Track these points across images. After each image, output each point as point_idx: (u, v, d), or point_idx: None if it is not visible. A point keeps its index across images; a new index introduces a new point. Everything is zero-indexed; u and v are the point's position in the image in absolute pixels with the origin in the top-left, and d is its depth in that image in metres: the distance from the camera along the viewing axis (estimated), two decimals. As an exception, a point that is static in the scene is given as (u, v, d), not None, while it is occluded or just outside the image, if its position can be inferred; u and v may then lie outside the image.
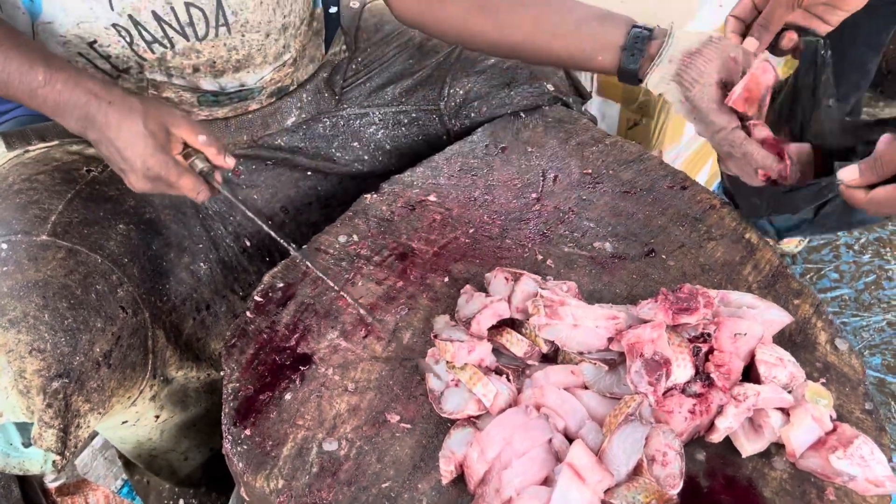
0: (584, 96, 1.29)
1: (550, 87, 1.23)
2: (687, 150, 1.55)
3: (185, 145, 0.90)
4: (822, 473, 0.78)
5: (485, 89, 1.22)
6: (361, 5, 1.30)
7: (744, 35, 0.99)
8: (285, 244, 0.95)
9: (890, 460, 0.79)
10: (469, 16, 1.02)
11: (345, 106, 1.23)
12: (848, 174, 0.82)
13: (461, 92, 1.22)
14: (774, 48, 0.99)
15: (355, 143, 1.23)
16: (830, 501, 0.77)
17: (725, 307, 0.89)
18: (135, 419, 1.09)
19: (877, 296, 1.64)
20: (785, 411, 0.81)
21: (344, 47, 1.23)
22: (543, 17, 0.98)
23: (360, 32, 1.26)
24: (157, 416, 1.12)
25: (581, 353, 0.85)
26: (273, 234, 0.94)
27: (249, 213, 0.93)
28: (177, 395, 1.12)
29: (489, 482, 0.76)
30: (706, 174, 1.76)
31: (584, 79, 1.39)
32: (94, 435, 1.39)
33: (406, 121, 1.24)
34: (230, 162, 0.92)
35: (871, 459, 0.76)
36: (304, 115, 1.19)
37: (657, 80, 0.94)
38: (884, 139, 0.80)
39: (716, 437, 0.80)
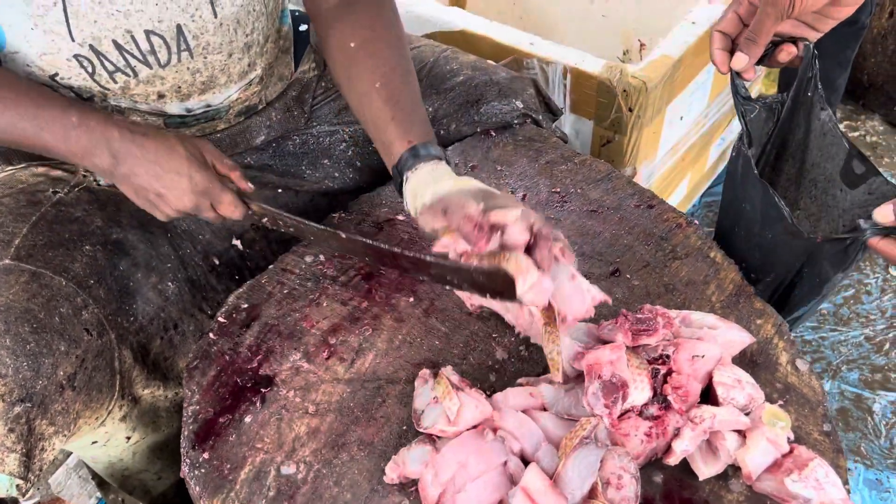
0: (554, 113, 1.30)
1: (520, 105, 1.23)
2: (663, 166, 1.55)
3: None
4: (778, 496, 0.78)
5: (454, 107, 1.22)
6: (332, 24, 1.30)
7: (731, 51, 0.97)
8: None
9: (846, 482, 0.79)
10: (333, 73, 1.07)
11: (314, 123, 1.23)
12: (883, 215, 0.81)
13: (430, 109, 1.22)
14: (769, 60, 0.98)
15: (325, 161, 1.23)
16: (786, 524, 0.77)
17: (687, 328, 0.89)
18: (104, 439, 1.09)
19: (856, 310, 1.64)
20: (742, 433, 0.80)
21: (314, 65, 1.23)
22: (363, 107, 1.01)
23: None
24: (129, 438, 1.12)
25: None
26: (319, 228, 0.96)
27: (292, 219, 0.97)
28: (148, 416, 1.12)
29: (443, 506, 0.76)
30: (684, 189, 1.76)
31: (557, 96, 1.39)
32: (68, 453, 1.39)
33: (376, 138, 1.24)
34: (250, 186, 0.99)
35: (825, 482, 0.76)
36: (273, 134, 1.19)
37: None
38: None
39: (672, 460, 0.80)
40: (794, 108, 1.03)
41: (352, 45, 1.01)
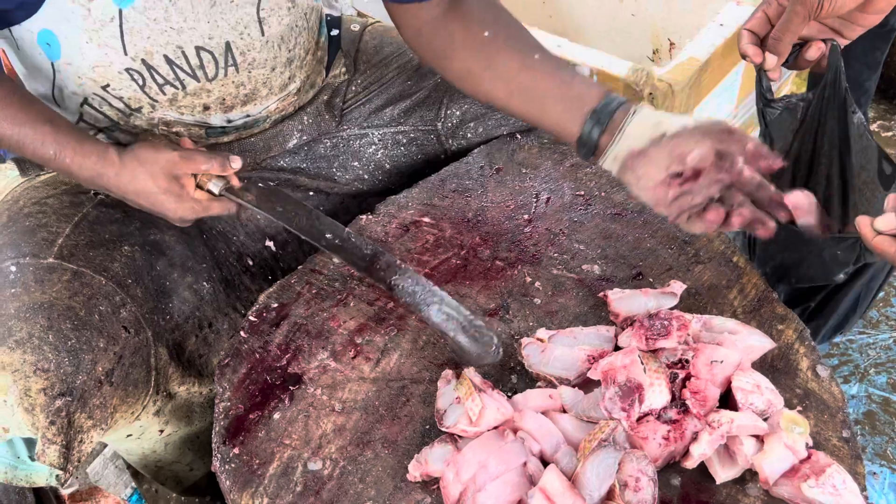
0: (582, 116, 1.30)
1: (547, 108, 1.24)
2: (690, 166, 1.55)
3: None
4: (795, 501, 0.79)
5: (481, 110, 1.24)
6: (362, 28, 1.33)
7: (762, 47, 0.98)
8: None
9: (864, 489, 0.80)
10: (462, 77, 1.04)
11: (345, 127, 1.25)
12: (886, 222, 0.80)
13: (458, 112, 1.24)
14: (795, 61, 0.99)
15: (355, 163, 1.26)
16: (802, 529, 0.78)
17: (708, 332, 0.90)
18: (139, 433, 1.13)
19: (885, 313, 1.62)
20: (759, 438, 0.81)
21: (344, 69, 1.26)
22: (515, 91, 0.98)
23: (360, 55, 1.29)
24: (162, 431, 1.16)
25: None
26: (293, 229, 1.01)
27: (266, 215, 1.02)
28: (182, 411, 1.16)
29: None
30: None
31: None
32: (105, 444, 1.43)
33: (405, 141, 1.26)
34: (236, 164, 1.00)
35: (842, 489, 0.77)
36: (305, 137, 1.22)
37: (609, 168, 0.92)
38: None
39: (690, 464, 0.81)
40: (820, 110, 1.03)
41: (486, 34, 0.99)
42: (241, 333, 0.99)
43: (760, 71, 1.00)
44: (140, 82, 0.99)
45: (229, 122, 1.11)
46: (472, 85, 1.02)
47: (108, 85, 0.99)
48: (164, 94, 1.01)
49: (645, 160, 0.85)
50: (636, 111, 0.88)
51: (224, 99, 1.06)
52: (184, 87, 1.02)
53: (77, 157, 0.93)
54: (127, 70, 0.97)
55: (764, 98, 1.03)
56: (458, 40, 1.01)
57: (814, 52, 0.97)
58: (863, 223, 0.81)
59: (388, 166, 1.27)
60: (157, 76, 0.99)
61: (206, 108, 1.06)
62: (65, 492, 1.33)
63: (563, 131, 0.94)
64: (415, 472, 0.83)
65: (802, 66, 1.00)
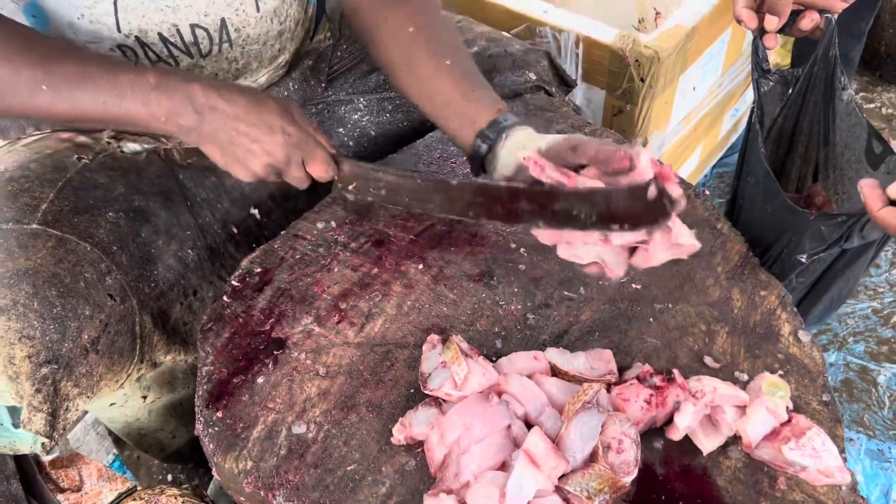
0: (568, 84, 1.30)
1: (533, 76, 1.23)
2: (674, 135, 1.55)
3: None
4: (775, 463, 0.80)
5: (467, 77, 1.23)
6: (346, -8, 1.31)
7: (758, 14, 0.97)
8: None
9: (842, 451, 0.81)
10: (385, 66, 1.06)
11: (330, 93, 1.24)
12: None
13: (443, 79, 1.23)
14: (790, 29, 0.98)
15: (340, 130, 1.24)
16: (782, 491, 0.79)
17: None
18: (122, 401, 1.12)
19: (864, 283, 1.65)
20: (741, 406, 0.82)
21: (329, 34, 1.24)
22: (425, 96, 1.00)
23: (345, 19, 1.27)
24: (145, 398, 1.15)
25: None
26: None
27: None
28: (164, 378, 1.15)
29: (448, 466, 0.78)
30: (696, 160, 1.76)
31: (569, 64, 1.39)
32: (86, 411, 1.43)
33: (391, 107, 1.25)
34: (333, 147, 0.97)
35: (822, 450, 0.78)
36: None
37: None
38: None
39: (675, 435, 0.82)
40: (807, 86, 1.03)
41: (410, 29, 1.00)
42: (224, 298, 0.99)
43: (757, 39, 0.99)
44: (133, 59, 0.97)
45: None
46: (392, 77, 1.05)
47: None
48: None
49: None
50: (508, 135, 0.91)
51: (217, 74, 1.05)
52: (177, 64, 1.00)
53: (184, 77, 0.87)
54: (119, 47, 0.95)
55: (760, 68, 1.03)
56: (387, 29, 1.02)
57: (807, 22, 0.97)
58: (870, 193, 0.80)
59: (373, 133, 1.26)
60: (150, 53, 0.97)
61: None
62: (46, 458, 1.33)
63: (460, 144, 0.98)
64: (399, 435, 0.83)
65: (795, 34, 1.00)
